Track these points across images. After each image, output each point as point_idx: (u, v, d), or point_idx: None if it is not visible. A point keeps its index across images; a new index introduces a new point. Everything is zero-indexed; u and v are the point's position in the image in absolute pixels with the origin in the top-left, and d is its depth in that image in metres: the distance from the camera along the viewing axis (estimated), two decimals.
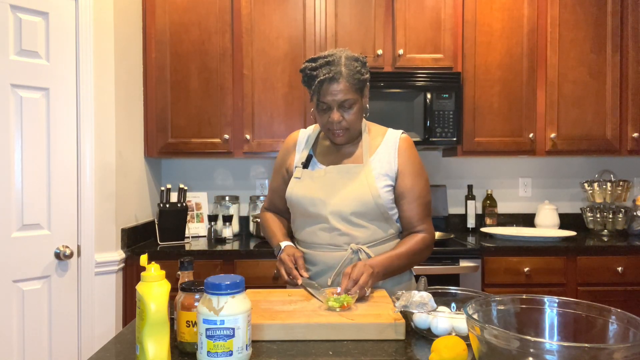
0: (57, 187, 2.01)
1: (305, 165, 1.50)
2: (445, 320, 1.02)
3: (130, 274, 2.33)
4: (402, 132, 1.50)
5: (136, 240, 2.49)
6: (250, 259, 2.38)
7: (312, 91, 1.38)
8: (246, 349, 0.90)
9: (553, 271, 2.40)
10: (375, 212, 1.41)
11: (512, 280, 2.40)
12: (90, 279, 2.10)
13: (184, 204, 2.61)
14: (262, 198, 2.89)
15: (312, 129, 1.59)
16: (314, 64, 1.38)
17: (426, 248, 1.44)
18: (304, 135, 1.58)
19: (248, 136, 2.64)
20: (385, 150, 1.47)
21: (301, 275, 1.35)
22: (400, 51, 2.64)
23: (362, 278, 1.23)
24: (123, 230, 2.32)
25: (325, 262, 1.43)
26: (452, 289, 1.18)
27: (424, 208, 1.46)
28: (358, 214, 1.40)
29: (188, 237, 2.71)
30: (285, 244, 1.47)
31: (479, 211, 3.05)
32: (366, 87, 1.44)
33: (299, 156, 1.53)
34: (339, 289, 1.21)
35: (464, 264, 2.36)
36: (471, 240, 2.59)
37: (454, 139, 2.61)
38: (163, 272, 0.91)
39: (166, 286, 0.90)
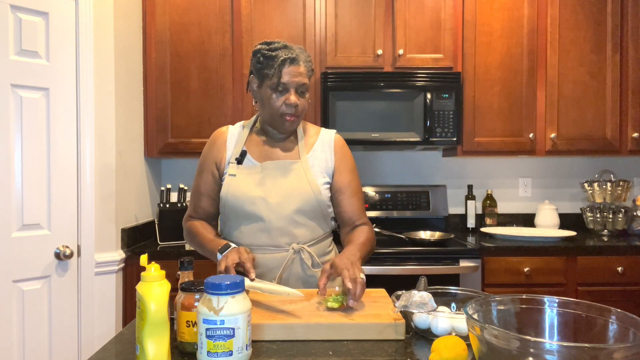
0: (57, 187, 2.01)
1: (240, 161, 1.42)
2: (445, 320, 1.02)
3: (130, 274, 2.33)
4: (336, 132, 1.52)
5: (136, 240, 2.48)
6: None
7: (271, 72, 1.34)
8: (246, 349, 0.90)
9: (553, 271, 2.40)
10: (316, 209, 1.40)
11: (512, 280, 2.40)
12: (90, 279, 2.10)
13: (184, 204, 2.62)
14: None
15: (242, 125, 1.52)
16: (270, 46, 1.36)
17: (374, 239, 1.46)
18: (235, 131, 1.49)
19: None
20: (321, 147, 1.47)
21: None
22: (400, 51, 2.64)
23: (359, 275, 1.17)
24: (123, 230, 2.32)
25: (266, 264, 1.37)
26: (452, 289, 1.18)
27: (362, 203, 1.49)
28: (300, 212, 1.38)
29: None
30: (234, 245, 1.32)
31: (479, 211, 3.05)
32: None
33: (231, 152, 1.45)
34: (337, 288, 1.21)
35: (464, 264, 2.36)
36: (471, 240, 2.59)
37: (454, 139, 2.61)
38: (163, 272, 0.91)
39: (166, 286, 0.90)
